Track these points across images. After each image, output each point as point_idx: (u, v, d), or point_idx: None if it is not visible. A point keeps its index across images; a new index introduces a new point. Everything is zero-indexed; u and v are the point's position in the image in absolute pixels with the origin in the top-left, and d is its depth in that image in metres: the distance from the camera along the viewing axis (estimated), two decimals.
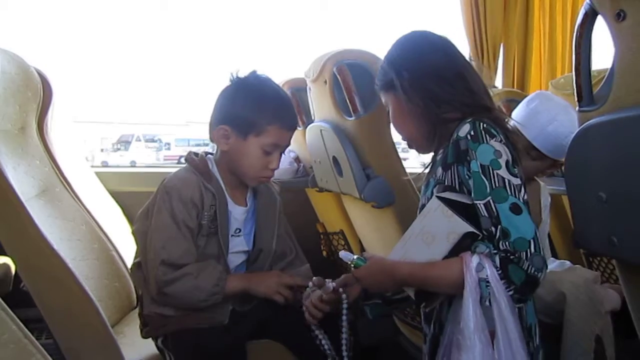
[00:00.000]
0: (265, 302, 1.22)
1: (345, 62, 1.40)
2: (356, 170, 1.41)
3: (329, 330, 1.12)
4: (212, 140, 1.21)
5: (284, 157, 1.85)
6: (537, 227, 0.87)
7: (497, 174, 0.85)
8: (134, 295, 1.65)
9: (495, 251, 0.83)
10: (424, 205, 0.98)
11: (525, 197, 0.86)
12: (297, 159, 2.02)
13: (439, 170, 0.96)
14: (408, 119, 1.00)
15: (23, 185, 1.38)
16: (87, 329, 1.24)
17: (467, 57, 1.04)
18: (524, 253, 0.82)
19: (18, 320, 0.65)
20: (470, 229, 0.86)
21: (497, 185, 0.85)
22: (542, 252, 0.83)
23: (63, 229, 1.50)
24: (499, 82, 2.62)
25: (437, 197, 0.90)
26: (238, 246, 1.23)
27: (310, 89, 1.65)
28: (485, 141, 0.87)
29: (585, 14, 0.81)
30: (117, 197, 1.92)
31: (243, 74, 1.20)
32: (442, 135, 0.97)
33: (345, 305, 1.08)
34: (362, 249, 1.80)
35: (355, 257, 1.00)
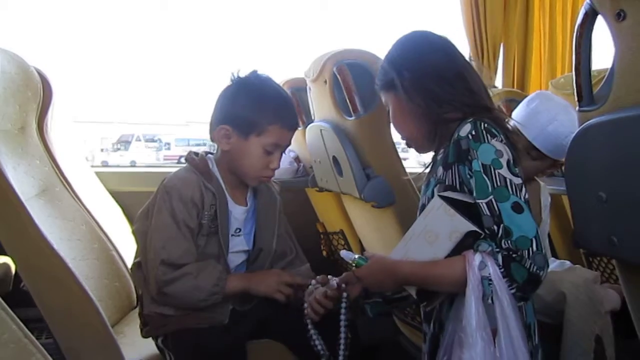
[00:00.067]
0: (265, 302, 1.22)
1: (345, 62, 1.40)
2: (356, 170, 1.41)
3: (327, 330, 1.12)
4: (212, 140, 1.21)
5: (284, 156, 1.85)
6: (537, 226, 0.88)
7: (498, 173, 0.86)
8: (134, 295, 1.65)
9: (497, 249, 0.84)
10: (424, 205, 0.98)
11: (526, 196, 0.87)
12: (297, 159, 2.02)
13: (440, 170, 0.96)
14: (409, 118, 1.00)
15: (23, 185, 1.38)
16: (87, 328, 1.24)
17: (467, 57, 1.04)
18: (526, 251, 0.82)
19: (18, 320, 0.65)
20: (473, 227, 0.86)
21: (498, 184, 0.86)
22: (543, 251, 0.84)
23: (63, 229, 1.50)
24: (499, 82, 2.62)
25: (439, 196, 0.90)
26: (238, 246, 1.23)
27: (310, 88, 1.65)
28: (486, 141, 0.88)
29: (586, 14, 0.82)
30: (117, 197, 1.92)
31: (244, 73, 1.20)
32: (442, 135, 0.97)
33: (344, 304, 1.08)
34: (362, 249, 1.79)
35: (356, 256, 1.00)
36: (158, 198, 1.16)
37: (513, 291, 0.83)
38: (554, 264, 1.43)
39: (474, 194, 0.87)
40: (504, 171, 0.86)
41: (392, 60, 1.01)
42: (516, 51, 2.61)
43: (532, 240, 0.83)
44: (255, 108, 1.15)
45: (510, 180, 0.86)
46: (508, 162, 0.87)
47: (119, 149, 13.64)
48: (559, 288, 1.27)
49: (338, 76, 1.40)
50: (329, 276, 1.12)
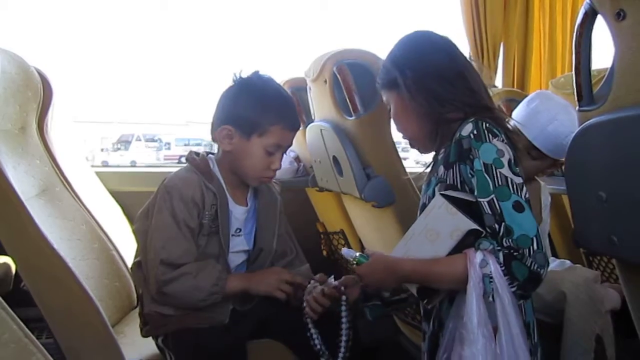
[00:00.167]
0: (265, 301, 1.22)
1: (346, 62, 1.40)
2: (356, 169, 1.41)
3: (327, 330, 1.13)
4: (214, 140, 1.21)
5: (284, 156, 1.85)
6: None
7: (499, 172, 0.87)
8: (134, 295, 1.65)
9: (498, 248, 0.84)
10: (424, 205, 0.98)
11: (527, 195, 0.87)
12: (297, 159, 2.02)
13: (441, 169, 0.96)
14: (411, 117, 1.00)
15: (23, 185, 1.38)
16: (88, 328, 1.24)
17: (467, 57, 1.05)
18: (527, 250, 0.83)
19: (18, 320, 0.65)
20: (474, 226, 0.86)
21: (500, 183, 0.86)
22: (544, 250, 0.84)
23: (63, 229, 1.50)
24: (499, 81, 2.62)
25: (441, 194, 0.91)
26: (238, 246, 1.23)
27: (310, 88, 1.65)
28: (488, 140, 0.88)
29: (585, 14, 0.82)
30: (117, 196, 1.92)
31: (246, 74, 1.20)
32: (443, 134, 0.98)
33: (344, 307, 1.09)
34: (363, 249, 1.79)
35: (357, 254, 1.01)
36: (158, 198, 1.16)
37: (514, 289, 0.83)
38: (554, 264, 1.43)
39: (475, 193, 0.88)
40: (505, 170, 0.87)
41: (395, 60, 1.02)
42: (516, 51, 2.61)
43: (532, 239, 0.83)
44: (258, 109, 1.15)
45: (512, 180, 0.87)
46: (509, 161, 0.88)
47: (119, 149, 13.62)
48: (560, 287, 1.27)
49: (338, 76, 1.40)
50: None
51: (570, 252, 1.80)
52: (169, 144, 13.94)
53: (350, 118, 1.42)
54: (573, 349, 1.23)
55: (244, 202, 1.24)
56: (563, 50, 2.63)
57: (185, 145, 12.87)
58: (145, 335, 1.24)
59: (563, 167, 1.06)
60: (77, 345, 1.24)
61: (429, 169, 1.05)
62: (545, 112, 1.30)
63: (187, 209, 1.14)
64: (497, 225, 0.85)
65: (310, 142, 1.72)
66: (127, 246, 1.67)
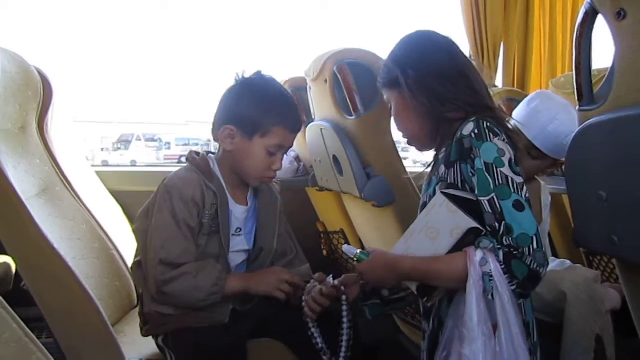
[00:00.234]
0: (265, 301, 1.22)
1: (346, 61, 1.40)
2: (356, 169, 1.41)
3: (327, 329, 1.13)
4: (215, 139, 1.21)
5: (285, 156, 1.85)
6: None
7: (500, 171, 0.87)
8: (135, 294, 1.65)
9: (498, 246, 0.85)
10: (425, 204, 0.99)
11: (527, 194, 0.88)
12: (297, 158, 2.02)
13: (442, 168, 0.97)
14: (412, 116, 1.01)
15: (23, 184, 1.38)
16: (88, 328, 1.24)
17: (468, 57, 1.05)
18: (527, 249, 0.84)
19: (19, 319, 0.65)
20: (475, 224, 0.87)
21: (500, 182, 0.86)
22: (544, 249, 0.85)
23: (63, 228, 1.50)
24: (499, 81, 2.62)
25: (442, 192, 0.91)
26: (239, 245, 1.23)
27: (310, 88, 1.65)
28: (489, 139, 0.89)
29: (586, 13, 0.82)
30: (118, 196, 1.92)
31: (248, 74, 1.20)
32: (444, 134, 0.98)
33: (345, 307, 1.09)
34: (363, 248, 1.79)
35: (358, 251, 1.01)
36: (159, 197, 1.16)
37: (513, 287, 0.84)
38: (554, 263, 1.43)
39: (476, 192, 0.88)
40: (506, 170, 0.87)
41: (397, 59, 1.02)
42: (516, 50, 2.61)
43: (532, 238, 0.84)
44: (261, 109, 1.16)
45: (512, 179, 0.87)
46: (510, 160, 0.88)
47: (119, 149, 13.62)
48: (560, 287, 1.27)
49: (338, 75, 1.40)
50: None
51: (571, 251, 1.80)
52: (169, 143, 13.94)
53: (351, 117, 1.42)
54: (573, 348, 1.23)
55: (244, 202, 1.24)
56: (563, 50, 2.62)
57: (185, 145, 12.87)
58: (145, 334, 1.24)
59: (563, 167, 1.06)
60: (77, 344, 1.24)
61: (429, 169, 1.05)
62: (546, 111, 1.30)
63: (187, 209, 1.14)
64: (497, 224, 0.85)
65: (310, 141, 1.72)
66: (127, 246, 1.67)
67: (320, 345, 1.13)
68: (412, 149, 1.08)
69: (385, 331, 1.82)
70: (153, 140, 14.13)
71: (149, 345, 1.26)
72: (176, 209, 1.13)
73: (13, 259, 1.33)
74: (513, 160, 0.89)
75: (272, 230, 1.27)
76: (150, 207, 1.18)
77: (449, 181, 0.94)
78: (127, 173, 2.28)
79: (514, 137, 0.94)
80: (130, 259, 1.39)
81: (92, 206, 1.65)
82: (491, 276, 0.83)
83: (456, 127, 0.94)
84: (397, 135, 1.19)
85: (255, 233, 1.26)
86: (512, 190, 0.86)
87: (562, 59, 2.62)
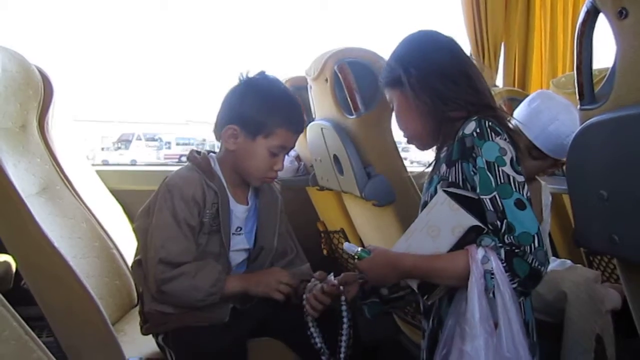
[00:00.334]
0: (265, 300, 1.22)
1: (347, 61, 1.40)
2: (357, 168, 1.41)
3: (327, 328, 1.13)
4: (218, 138, 1.21)
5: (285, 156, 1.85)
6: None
7: (502, 170, 0.87)
8: (135, 293, 1.65)
9: (500, 244, 0.85)
10: (426, 203, 0.99)
11: (528, 193, 0.88)
12: (297, 158, 2.02)
13: (443, 167, 0.97)
14: (414, 115, 1.01)
15: (24, 183, 1.38)
16: (88, 326, 1.24)
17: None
18: (529, 247, 0.84)
19: (19, 317, 0.65)
20: (476, 222, 0.87)
21: (502, 181, 0.87)
22: (544, 247, 0.85)
23: (63, 227, 1.50)
24: (499, 81, 2.62)
25: (443, 191, 0.91)
26: (239, 244, 1.23)
27: (311, 87, 1.65)
28: (490, 139, 0.89)
29: (587, 12, 0.81)
30: (118, 195, 1.93)
31: (252, 74, 1.20)
32: (446, 133, 0.98)
33: (344, 306, 1.09)
34: (363, 247, 1.79)
35: (359, 249, 1.01)
36: (159, 196, 1.16)
37: (514, 285, 0.84)
38: (554, 263, 1.43)
39: (478, 190, 0.88)
40: (508, 169, 0.88)
41: (399, 58, 1.02)
42: (517, 50, 2.61)
43: (534, 237, 0.84)
44: (265, 110, 1.16)
45: (514, 178, 0.87)
46: (511, 160, 0.89)
47: (119, 148, 13.62)
48: (560, 287, 1.27)
49: (339, 74, 1.40)
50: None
51: (571, 251, 1.80)
52: (169, 143, 13.94)
53: (351, 117, 1.42)
54: (573, 348, 1.23)
55: (244, 201, 1.24)
56: (564, 50, 2.62)
57: (185, 144, 12.87)
58: (145, 333, 1.24)
59: (564, 167, 1.06)
60: (77, 343, 1.24)
61: (430, 168, 1.05)
62: (547, 111, 1.30)
63: (188, 208, 1.14)
64: (499, 222, 0.86)
65: (310, 140, 1.72)
66: (127, 244, 1.67)
67: (319, 345, 1.13)
68: (413, 148, 1.09)
69: (385, 330, 1.82)
70: (153, 139, 14.14)
71: (149, 344, 1.26)
72: (177, 208, 1.13)
73: (13, 257, 1.32)
74: (514, 160, 0.89)
75: (272, 230, 1.27)
76: (151, 205, 1.18)
77: (450, 180, 0.94)
78: (127, 172, 2.28)
79: (515, 136, 0.94)
80: (130, 258, 1.39)
81: (92, 205, 1.65)
82: (492, 274, 0.83)
83: (458, 126, 0.94)
84: (397, 134, 1.19)
85: (256, 232, 1.26)
86: (514, 189, 0.86)
87: (563, 58, 2.62)
